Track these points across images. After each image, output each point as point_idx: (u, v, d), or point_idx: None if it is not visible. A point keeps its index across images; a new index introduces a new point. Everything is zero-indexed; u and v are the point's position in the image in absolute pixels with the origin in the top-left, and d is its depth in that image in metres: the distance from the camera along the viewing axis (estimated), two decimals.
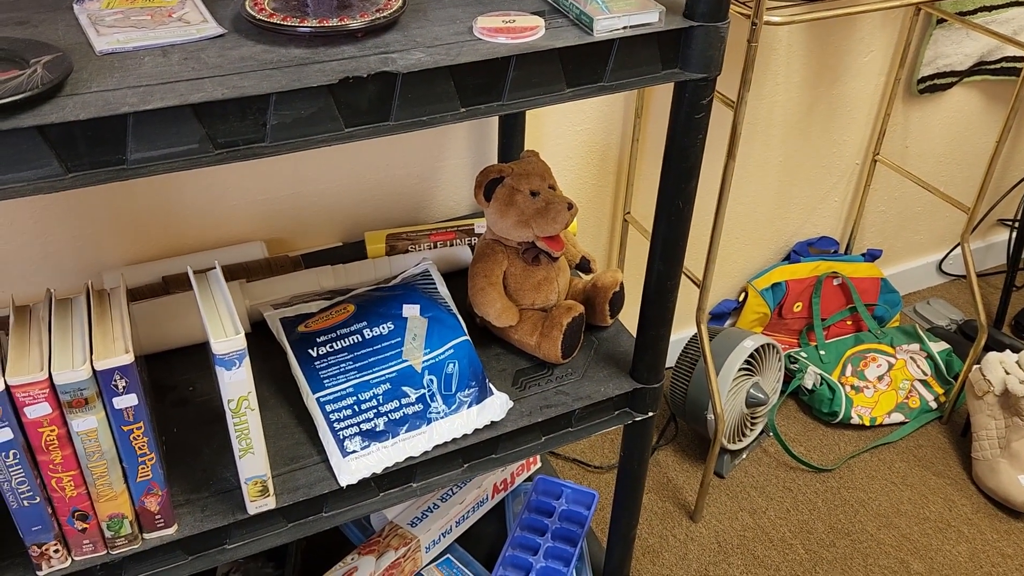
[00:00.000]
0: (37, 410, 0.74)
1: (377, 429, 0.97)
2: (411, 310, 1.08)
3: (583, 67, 0.80)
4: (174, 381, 1.06)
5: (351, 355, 1.03)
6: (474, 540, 1.37)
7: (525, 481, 1.46)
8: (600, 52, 0.80)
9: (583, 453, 1.68)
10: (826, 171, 1.80)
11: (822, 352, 1.81)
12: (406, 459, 0.97)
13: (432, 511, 1.30)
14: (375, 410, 0.99)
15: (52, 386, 0.74)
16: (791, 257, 1.86)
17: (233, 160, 0.69)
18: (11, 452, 0.75)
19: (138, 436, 0.79)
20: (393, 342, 1.04)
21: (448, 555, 1.32)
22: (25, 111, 0.62)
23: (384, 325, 1.06)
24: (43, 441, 0.76)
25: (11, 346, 0.76)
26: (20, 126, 0.61)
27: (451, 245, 1.27)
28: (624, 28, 0.80)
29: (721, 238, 1.72)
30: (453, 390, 1.02)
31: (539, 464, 1.49)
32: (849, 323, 1.88)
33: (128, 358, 0.75)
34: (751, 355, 1.57)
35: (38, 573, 0.83)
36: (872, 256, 1.92)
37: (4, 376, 0.72)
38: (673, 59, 0.84)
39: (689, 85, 0.86)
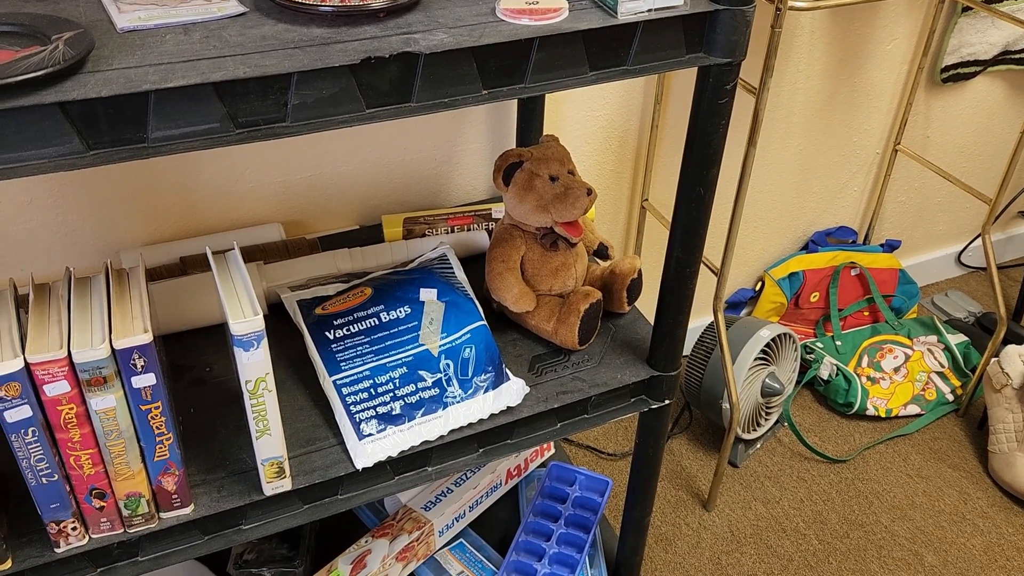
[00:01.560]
0: (56, 388, 0.74)
1: (393, 412, 0.97)
2: (428, 294, 1.08)
3: (606, 50, 0.79)
4: (191, 362, 1.06)
5: (368, 338, 1.03)
6: (487, 525, 1.37)
7: (539, 467, 1.46)
8: (624, 35, 0.79)
9: (597, 440, 1.68)
10: (846, 160, 1.78)
11: (838, 343, 1.79)
12: (422, 443, 0.97)
13: (446, 495, 1.30)
14: (391, 393, 0.98)
15: (71, 364, 0.74)
16: (809, 247, 1.85)
17: (254, 140, 0.68)
18: (30, 429, 0.75)
19: (156, 416, 0.79)
20: (410, 326, 1.04)
21: (461, 540, 1.32)
22: (47, 87, 0.62)
23: (401, 309, 1.06)
24: (62, 419, 0.76)
25: (30, 324, 0.76)
26: (42, 102, 0.60)
27: (468, 230, 1.27)
28: (649, 11, 0.79)
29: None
30: (470, 375, 1.01)
31: (553, 450, 1.49)
32: (866, 314, 1.87)
33: (147, 337, 0.75)
34: (767, 344, 1.56)
35: (56, 550, 0.83)
36: (891, 247, 1.91)
37: (24, 354, 0.72)
38: (698, 43, 0.82)
39: (713, 70, 0.85)
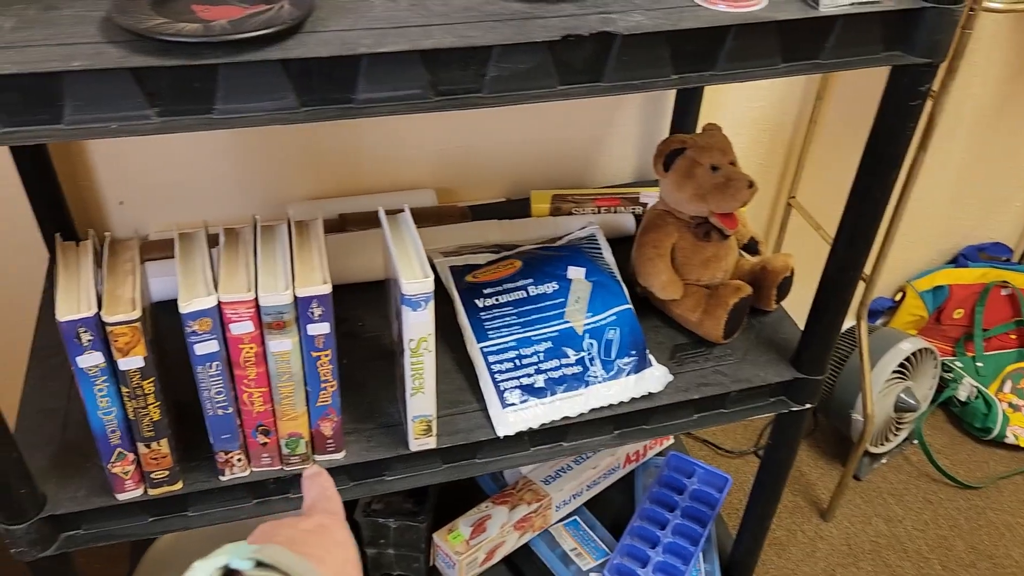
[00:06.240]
0: (241, 327, 0.79)
1: (536, 385, 0.99)
2: (576, 272, 1.08)
3: (802, 43, 0.77)
4: (345, 315, 1.11)
5: (516, 310, 1.05)
6: (600, 507, 1.38)
7: (656, 455, 1.46)
8: (822, 28, 0.77)
9: (715, 435, 1.66)
10: (1010, 173, 1.68)
11: (979, 364, 1.71)
12: (562, 418, 0.98)
13: (565, 472, 1.31)
14: (535, 367, 1.00)
15: (257, 307, 0.78)
16: (958, 260, 1.76)
17: (451, 108, 0.70)
18: (214, 364, 0.80)
19: (324, 363, 0.83)
20: (556, 302, 1.05)
21: (576, 517, 1.34)
22: (272, 45, 0.65)
23: (549, 284, 1.07)
24: (242, 357, 0.81)
25: (222, 265, 0.81)
26: (268, 58, 0.64)
27: (615, 211, 1.27)
28: (851, 4, 0.76)
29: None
30: (612, 356, 1.02)
31: (672, 440, 1.48)
32: (1013, 337, 1.77)
33: (327, 288, 0.79)
34: (905, 358, 1.50)
35: (221, 478, 0.89)
36: None
37: (217, 292, 0.77)
38: (897, 41, 0.80)
39: (910, 70, 0.82)
